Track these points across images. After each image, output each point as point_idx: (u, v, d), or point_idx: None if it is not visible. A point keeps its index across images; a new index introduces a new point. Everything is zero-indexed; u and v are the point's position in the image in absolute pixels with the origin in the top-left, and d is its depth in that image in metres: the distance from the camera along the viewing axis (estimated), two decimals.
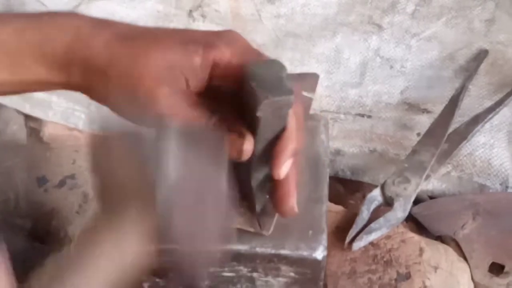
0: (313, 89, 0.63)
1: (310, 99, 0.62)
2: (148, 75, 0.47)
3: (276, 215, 0.54)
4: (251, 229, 0.53)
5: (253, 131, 0.48)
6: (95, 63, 0.48)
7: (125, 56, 0.48)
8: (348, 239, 0.70)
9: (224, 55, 0.48)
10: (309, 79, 0.64)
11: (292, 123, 0.49)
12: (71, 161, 0.89)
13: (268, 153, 0.49)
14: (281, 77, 0.47)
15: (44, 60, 0.49)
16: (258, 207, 0.54)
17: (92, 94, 0.50)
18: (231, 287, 0.56)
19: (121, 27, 0.50)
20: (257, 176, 0.52)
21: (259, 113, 0.46)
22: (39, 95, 0.87)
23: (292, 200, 0.50)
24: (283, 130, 0.49)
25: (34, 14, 0.52)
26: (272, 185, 0.51)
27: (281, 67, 0.47)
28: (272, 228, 0.54)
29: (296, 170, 0.50)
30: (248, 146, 0.48)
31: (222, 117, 0.49)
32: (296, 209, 0.50)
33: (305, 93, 0.62)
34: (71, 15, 0.52)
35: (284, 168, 0.49)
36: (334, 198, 0.75)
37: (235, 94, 0.49)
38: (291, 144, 0.49)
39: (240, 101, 0.49)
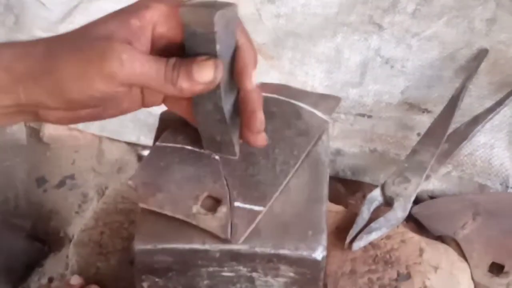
0: (330, 111, 0.62)
1: (325, 122, 0.61)
2: (95, 46, 0.47)
3: (252, 225, 0.53)
4: (221, 235, 0.52)
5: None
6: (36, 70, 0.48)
7: (67, 44, 0.48)
8: (348, 239, 0.70)
9: (160, 11, 0.49)
10: (330, 101, 0.63)
11: (241, 37, 0.51)
12: (70, 161, 0.90)
13: (231, 75, 0.51)
14: (212, 1, 0.49)
15: None
16: (234, 138, 0.54)
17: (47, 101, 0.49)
18: (231, 287, 0.56)
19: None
20: (227, 106, 0.52)
21: (216, 28, 0.47)
22: None
23: (261, 115, 0.52)
24: (235, 50, 0.50)
25: None
26: (241, 102, 0.52)
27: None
28: (242, 239, 0.53)
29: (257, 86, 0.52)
30: (219, 65, 0.49)
31: (178, 60, 0.49)
32: (263, 125, 0.52)
33: (319, 114, 0.62)
34: None
35: (253, 78, 0.50)
36: (334, 198, 0.75)
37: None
38: (251, 54, 0.51)
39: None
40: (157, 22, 0.49)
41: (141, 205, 0.54)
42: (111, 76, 0.46)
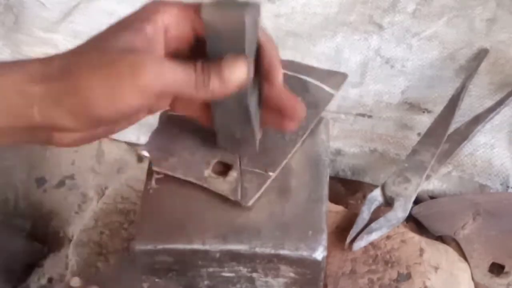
0: (337, 86, 0.63)
1: (331, 95, 0.62)
2: (122, 60, 0.46)
3: (262, 189, 0.55)
4: (231, 197, 0.54)
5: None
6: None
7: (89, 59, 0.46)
8: (348, 239, 0.70)
9: (171, 14, 0.48)
10: (337, 77, 0.64)
11: (263, 35, 0.50)
12: (70, 161, 0.90)
13: (255, 72, 0.50)
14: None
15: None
16: (256, 135, 0.55)
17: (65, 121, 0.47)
18: (231, 287, 0.56)
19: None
20: (252, 103, 0.52)
21: (246, 27, 0.46)
22: None
23: (296, 99, 0.52)
24: (258, 47, 0.50)
25: None
26: (269, 98, 0.52)
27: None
28: (252, 201, 0.54)
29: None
30: (249, 63, 0.48)
31: (206, 62, 0.48)
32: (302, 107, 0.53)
33: (327, 88, 0.62)
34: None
35: (281, 74, 0.51)
36: (334, 198, 0.75)
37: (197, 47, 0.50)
38: (275, 51, 0.50)
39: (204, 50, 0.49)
40: (168, 25, 0.49)
41: (155, 168, 0.56)
42: (145, 89, 0.45)
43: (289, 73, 0.62)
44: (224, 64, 0.47)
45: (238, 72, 0.48)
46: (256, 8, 0.48)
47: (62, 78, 0.46)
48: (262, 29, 0.50)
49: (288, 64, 0.63)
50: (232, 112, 0.52)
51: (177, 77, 0.47)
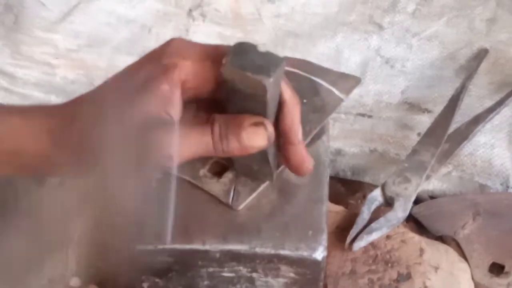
0: (348, 91, 0.62)
1: (340, 100, 0.61)
2: (141, 137, 0.46)
3: (254, 194, 0.55)
4: (223, 199, 0.55)
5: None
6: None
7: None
8: (348, 239, 0.70)
9: (187, 69, 0.48)
10: (349, 80, 0.63)
11: (287, 91, 0.49)
12: None
13: (275, 125, 0.50)
14: (258, 52, 0.45)
15: None
16: (273, 169, 0.55)
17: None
18: (231, 287, 0.56)
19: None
20: (271, 149, 0.52)
21: (268, 94, 0.45)
22: (39, 95, 0.87)
23: (309, 160, 0.53)
24: (280, 101, 0.49)
25: None
26: (286, 152, 0.52)
27: (249, 46, 0.46)
28: (242, 206, 0.55)
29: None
30: (270, 128, 0.48)
31: (223, 123, 0.48)
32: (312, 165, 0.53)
33: (337, 92, 0.62)
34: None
35: (300, 134, 0.51)
36: (334, 198, 0.75)
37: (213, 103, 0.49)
38: (297, 110, 0.50)
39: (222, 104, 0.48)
40: (185, 80, 0.48)
41: None
42: (165, 164, 0.46)
43: (302, 73, 0.61)
44: (243, 129, 0.47)
45: (258, 140, 0.48)
46: (280, 67, 0.46)
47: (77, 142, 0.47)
48: (286, 82, 0.49)
49: (302, 64, 0.63)
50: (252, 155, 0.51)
51: (194, 145, 0.47)
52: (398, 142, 0.85)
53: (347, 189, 0.84)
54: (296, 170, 0.53)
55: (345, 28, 0.88)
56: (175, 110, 0.47)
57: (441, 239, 0.75)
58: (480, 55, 0.84)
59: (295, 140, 0.51)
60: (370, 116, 0.86)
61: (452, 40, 0.86)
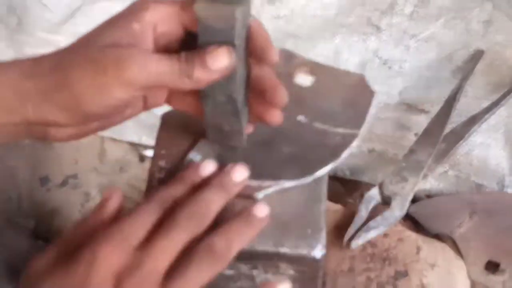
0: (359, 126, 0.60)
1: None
2: (108, 55, 0.47)
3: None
4: None
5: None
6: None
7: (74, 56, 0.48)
8: (346, 238, 0.70)
9: (159, 11, 0.49)
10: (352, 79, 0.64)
11: (254, 23, 0.51)
12: (73, 161, 0.90)
13: (244, 66, 0.51)
14: None
15: None
16: (243, 128, 0.55)
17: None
18: (232, 284, 0.57)
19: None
20: (240, 96, 0.52)
21: (236, 24, 0.47)
22: None
23: (283, 88, 0.52)
24: (247, 38, 0.51)
25: None
26: (261, 84, 0.52)
27: None
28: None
29: None
30: (232, 50, 0.48)
31: (190, 52, 0.49)
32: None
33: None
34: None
35: (276, 50, 0.51)
36: (333, 197, 0.76)
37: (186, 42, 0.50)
38: (267, 33, 0.51)
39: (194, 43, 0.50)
40: (157, 22, 0.49)
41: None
42: (130, 82, 0.47)
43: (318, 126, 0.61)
44: (207, 52, 0.48)
45: (221, 59, 0.48)
46: (248, 4, 0.49)
47: (51, 74, 0.47)
48: (253, 19, 0.51)
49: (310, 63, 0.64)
50: (221, 104, 0.53)
51: (161, 68, 0.47)
52: (395, 142, 0.85)
53: (345, 188, 0.84)
54: (271, 99, 0.52)
55: (344, 30, 0.88)
56: (146, 46, 0.49)
57: (438, 237, 0.76)
58: (477, 56, 0.85)
59: (273, 55, 0.51)
60: None
61: (449, 42, 0.86)
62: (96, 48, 0.47)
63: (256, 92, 0.53)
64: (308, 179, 0.57)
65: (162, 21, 0.50)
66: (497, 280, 0.72)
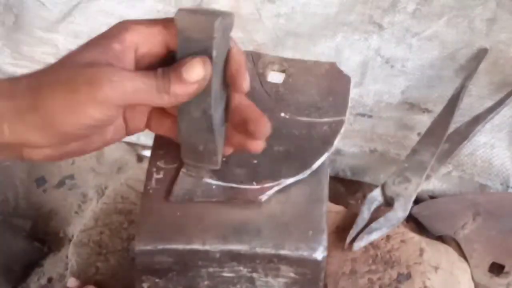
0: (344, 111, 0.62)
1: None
2: (81, 74, 0.46)
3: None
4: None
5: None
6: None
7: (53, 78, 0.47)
8: (348, 239, 0.70)
9: (139, 32, 0.49)
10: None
11: (234, 45, 0.51)
12: (70, 161, 0.90)
13: (222, 84, 0.51)
14: (207, 9, 0.49)
15: None
16: (218, 148, 0.53)
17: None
18: (231, 287, 0.56)
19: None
20: (216, 114, 0.51)
21: (215, 35, 0.47)
22: None
23: (264, 116, 0.51)
24: (227, 57, 0.50)
25: None
26: (242, 114, 0.52)
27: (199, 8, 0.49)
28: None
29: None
30: (207, 61, 0.48)
31: (166, 68, 0.48)
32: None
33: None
34: None
35: (247, 80, 0.51)
36: (334, 198, 0.75)
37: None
38: (243, 58, 0.51)
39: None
40: (138, 42, 0.49)
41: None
42: (104, 101, 0.46)
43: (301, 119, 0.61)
44: (182, 64, 0.48)
45: (196, 70, 0.47)
46: (229, 18, 0.49)
47: (26, 95, 0.47)
48: (233, 40, 0.51)
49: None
50: (196, 121, 0.51)
51: (137, 86, 0.47)
52: (398, 142, 0.85)
53: (347, 189, 0.84)
54: (254, 130, 0.51)
55: (345, 28, 0.87)
56: (127, 67, 0.48)
57: (441, 239, 0.75)
58: (480, 55, 0.84)
59: (241, 87, 0.51)
60: (370, 116, 0.86)
61: (452, 40, 0.86)
62: (72, 68, 0.47)
63: (237, 120, 0.53)
64: (307, 172, 0.56)
65: (144, 41, 0.49)
66: (501, 283, 0.72)
